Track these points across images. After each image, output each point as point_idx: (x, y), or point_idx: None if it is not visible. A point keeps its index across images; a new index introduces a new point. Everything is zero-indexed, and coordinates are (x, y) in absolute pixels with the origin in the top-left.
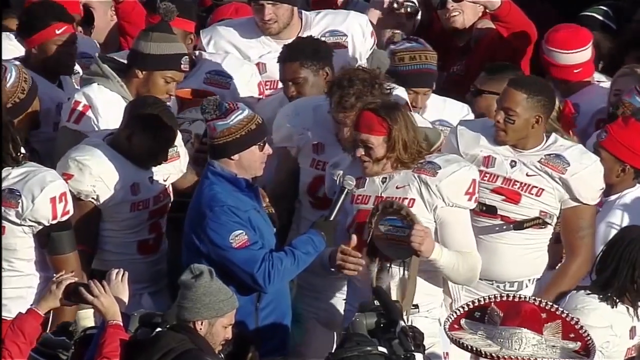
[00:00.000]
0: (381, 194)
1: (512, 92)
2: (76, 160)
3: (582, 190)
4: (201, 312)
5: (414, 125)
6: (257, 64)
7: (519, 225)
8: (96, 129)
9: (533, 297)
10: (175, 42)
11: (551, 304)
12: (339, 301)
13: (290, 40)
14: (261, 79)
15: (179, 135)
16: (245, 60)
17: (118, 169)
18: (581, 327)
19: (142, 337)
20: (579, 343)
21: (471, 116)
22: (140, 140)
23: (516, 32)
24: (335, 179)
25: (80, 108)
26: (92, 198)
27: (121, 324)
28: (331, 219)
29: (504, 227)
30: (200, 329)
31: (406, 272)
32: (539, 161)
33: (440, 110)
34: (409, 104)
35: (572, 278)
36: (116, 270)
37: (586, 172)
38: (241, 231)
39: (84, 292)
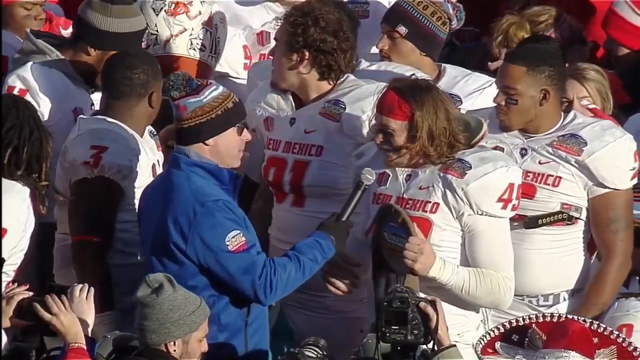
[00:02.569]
0: (403, 194)
1: (509, 67)
2: (109, 130)
3: (605, 172)
4: (172, 331)
5: (450, 113)
6: (260, 33)
7: (532, 223)
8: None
9: (583, 318)
10: (137, 15)
11: (604, 326)
12: (322, 319)
13: None
14: (262, 50)
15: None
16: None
17: (143, 146)
18: None
19: None
20: None
21: (492, 90)
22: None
23: None
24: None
25: (15, 94)
26: (124, 176)
27: (84, 347)
28: (344, 219)
29: (516, 227)
30: (175, 350)
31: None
32: (549, 144)
33: (453, 83)
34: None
35: (613, 284)
36: (80, 286)
37: (607, 150)
38: (238, 231)
39: (40, 310)
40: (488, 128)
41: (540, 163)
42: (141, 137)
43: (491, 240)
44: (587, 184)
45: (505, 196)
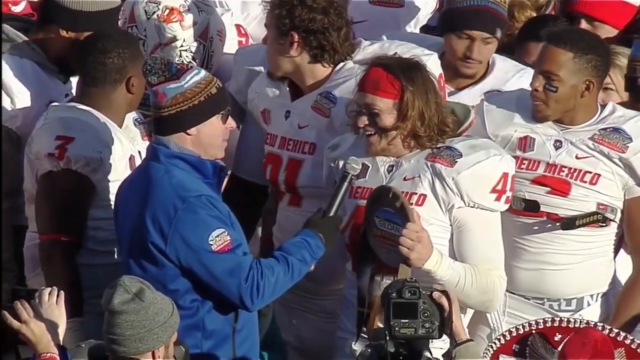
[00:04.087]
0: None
1: (553, 50)
2: (78, 120)
3: None
4: (159, 336)
5: (438, 95)
6: None
7: (570, 224)
8: (13, 113)
9: (584, 319)
10: None
11: (609, 327)
12: (323, 323)
13: None
14: None
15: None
16: None
17: (118, 136)
18: None
19: None
20: None
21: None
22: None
23: None
24: (333, 165)
25: None
26: (93, 169)
27: (57, 357)
28: (331, 214)
29: (550, 227)
30: (159, 357)
31: None
32: (591, 138)
33: (504, 78)
34: (463, 56)
35: None
36: (49, 290)
37: None
38: (222, 230)
39: (8, 317)
40: (518, 113)
41: (577, 158)
42: (120, 125)
43: (483, 235)
44: (626, 184)
45: (499, 187)
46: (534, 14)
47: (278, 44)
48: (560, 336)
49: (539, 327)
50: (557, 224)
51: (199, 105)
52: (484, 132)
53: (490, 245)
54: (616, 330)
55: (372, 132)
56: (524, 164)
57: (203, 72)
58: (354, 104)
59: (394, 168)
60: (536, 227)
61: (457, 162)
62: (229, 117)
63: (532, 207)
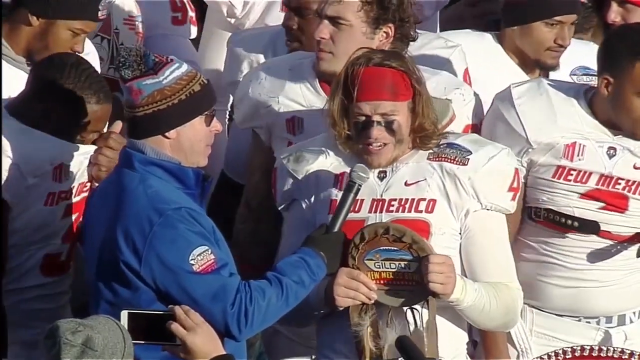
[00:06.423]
0: (381, 195)
1: None
2: None
3: None
4: None
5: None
6: None
7: None
8: None
9: (637, 352)
10: None
11: None
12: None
13: None
14: None
15: None
16: None
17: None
18: None
19: None
20: None
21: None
22: (61, 116)
23: None
24: (300, 176)
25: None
26: None
27: None
28: (335, 230)
29: (598, 244)
30: None
31: (419, 321)
32: None
33: (577, 52)
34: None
35: None
36: None
37: None
38: (205, 247)
39: None
40: (566, 117)
41: (635, 167)
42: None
43: (496, 242)
44: None
45: (515, 184)
46: None
47: (368, 37)
48: None
49: (567, 356)
50: (624, 246)
51: (180, 105)
52: (521, 139)
53: (505, 254)
54: None
55: (387, 143)
56: (572, 175)
57: (185, 67)
58: (346, 114)
59: (387, 174)
60: (579, 243)
61: (468, 159)
62: (214, 118)
63: (591, 228)
